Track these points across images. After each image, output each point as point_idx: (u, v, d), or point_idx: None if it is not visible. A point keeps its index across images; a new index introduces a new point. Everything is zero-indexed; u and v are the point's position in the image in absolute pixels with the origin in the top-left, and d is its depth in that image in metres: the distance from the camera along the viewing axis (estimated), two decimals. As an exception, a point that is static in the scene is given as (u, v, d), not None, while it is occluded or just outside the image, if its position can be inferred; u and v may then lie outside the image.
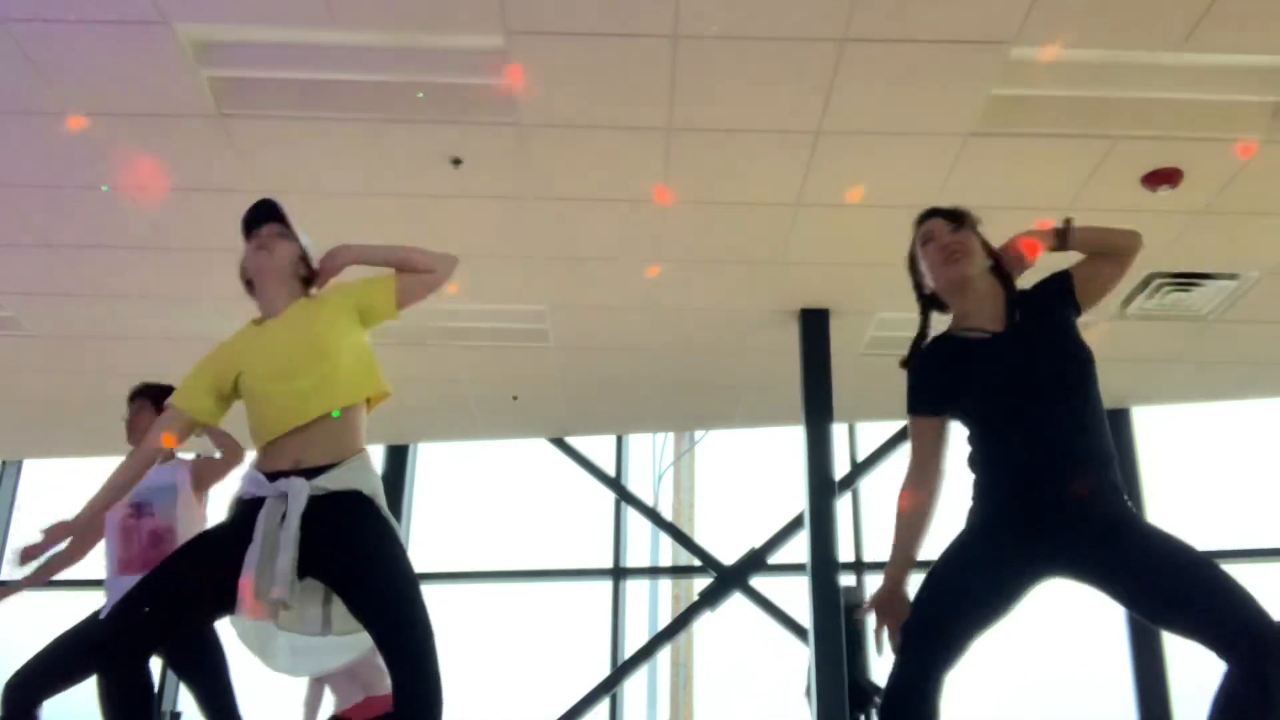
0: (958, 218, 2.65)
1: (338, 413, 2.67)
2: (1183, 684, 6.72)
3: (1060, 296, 2.55)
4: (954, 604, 2.33)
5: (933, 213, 2.70)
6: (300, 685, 4.52)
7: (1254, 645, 2.09)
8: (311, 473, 2.60)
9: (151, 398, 3.91)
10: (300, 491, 2.55)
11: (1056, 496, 2.35)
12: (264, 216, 2.87)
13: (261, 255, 2.83)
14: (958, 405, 2.55)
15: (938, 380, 2.57)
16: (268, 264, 2.83)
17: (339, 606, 2.69)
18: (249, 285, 2.90)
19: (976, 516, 2.46)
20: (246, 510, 2.61)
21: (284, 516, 2.55)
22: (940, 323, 2.68)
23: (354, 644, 2.73)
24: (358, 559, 2.58)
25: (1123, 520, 2.36)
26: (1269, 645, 2.09)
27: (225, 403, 2.82)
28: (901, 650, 2.35)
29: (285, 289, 2.85)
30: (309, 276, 2.89)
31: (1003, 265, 2.61)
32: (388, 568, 2.59)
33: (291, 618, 2.64)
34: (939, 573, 2.39)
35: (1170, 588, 2.23)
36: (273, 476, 2.62)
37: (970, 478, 2.51)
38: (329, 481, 2.60)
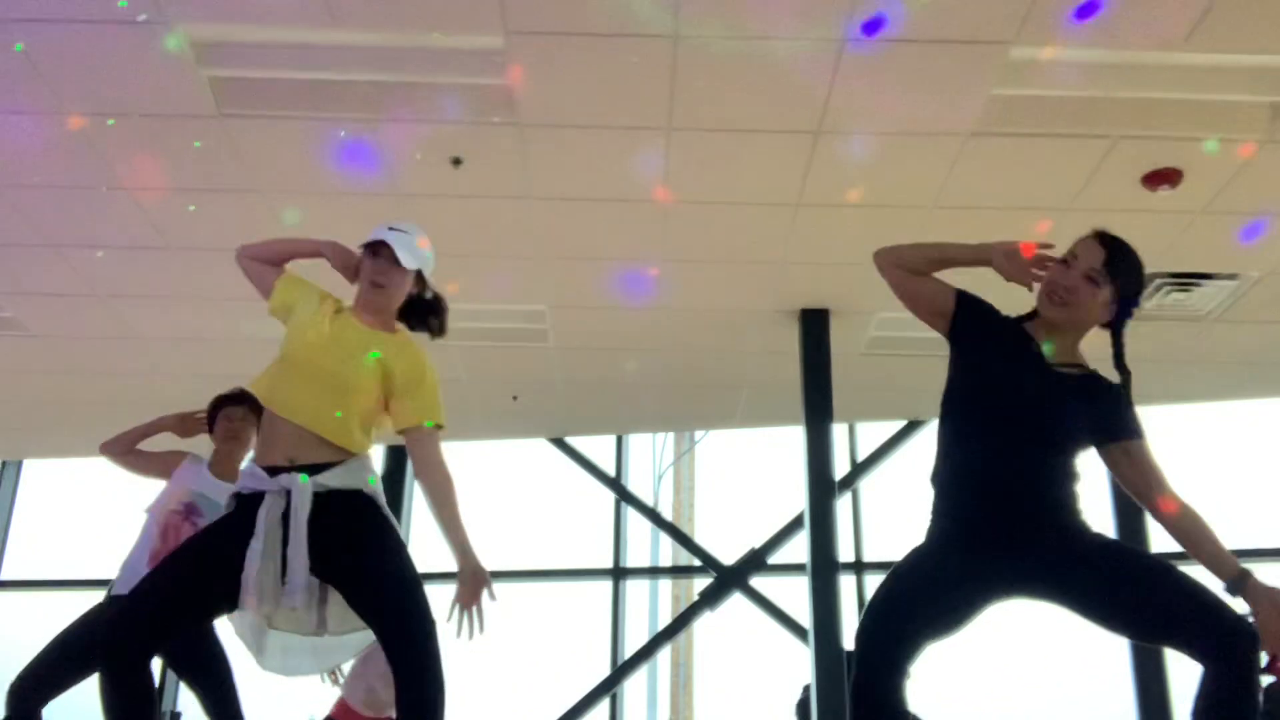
0: (1117, 270, 2.41)
1: (340, 414, 2.67)
2: (1183, 684, 6.72)
3: (1111, 413, 2.43)
4: (909, 611, 2.34)
5: (1104, 241, 2.43)
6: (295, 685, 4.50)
7: (1226, 644, 2.13)
8: (310, 470, 2.60)
9: (255, 408, 3.90)
10: (305, 489, 2.56)
11: (1016, 514, 2.36)
12: (385, 245, 2.83)
13: (378, 295, 2.83)
14: (967, 354, 2.49)
15: (986, 322, 2.51)
16: (380, 300, 2.84)
17: (334, 607, 2.69)
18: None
19: (937, 531, 2.44)
20: (245, 505, 2.61)
21: (284, 512, 2.55)
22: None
23: (349, 645, 2.74)
24: (363, 557, 2.59)
25: (1083, 539, 2.38)
26: (1240, 642, 2.13)
27: (287, 311, 2.84)
28: (861, 643, 2.35)
29: (383, 314, 2.87)
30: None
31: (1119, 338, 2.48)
32: (392, 566, 2.60)
33: (286, 617, 2.63)
34: (900, 576, 2.39)
35: (1139, 600, 2.26)
36: (271, 472, 2.62)
37: (932, 494, 2.48)
38: (331, 479, 2.61)
